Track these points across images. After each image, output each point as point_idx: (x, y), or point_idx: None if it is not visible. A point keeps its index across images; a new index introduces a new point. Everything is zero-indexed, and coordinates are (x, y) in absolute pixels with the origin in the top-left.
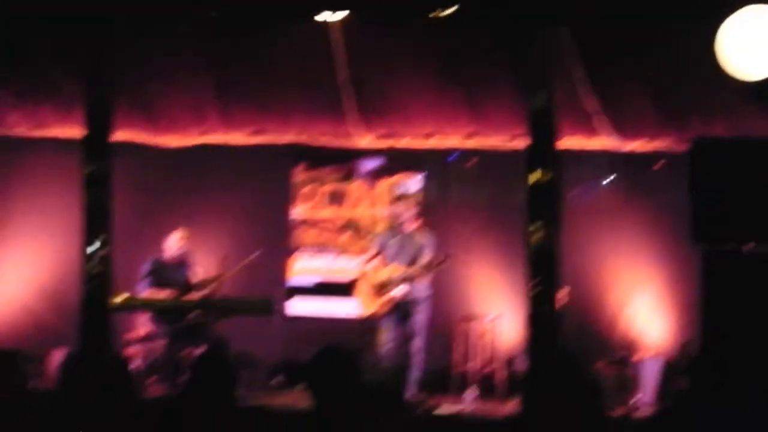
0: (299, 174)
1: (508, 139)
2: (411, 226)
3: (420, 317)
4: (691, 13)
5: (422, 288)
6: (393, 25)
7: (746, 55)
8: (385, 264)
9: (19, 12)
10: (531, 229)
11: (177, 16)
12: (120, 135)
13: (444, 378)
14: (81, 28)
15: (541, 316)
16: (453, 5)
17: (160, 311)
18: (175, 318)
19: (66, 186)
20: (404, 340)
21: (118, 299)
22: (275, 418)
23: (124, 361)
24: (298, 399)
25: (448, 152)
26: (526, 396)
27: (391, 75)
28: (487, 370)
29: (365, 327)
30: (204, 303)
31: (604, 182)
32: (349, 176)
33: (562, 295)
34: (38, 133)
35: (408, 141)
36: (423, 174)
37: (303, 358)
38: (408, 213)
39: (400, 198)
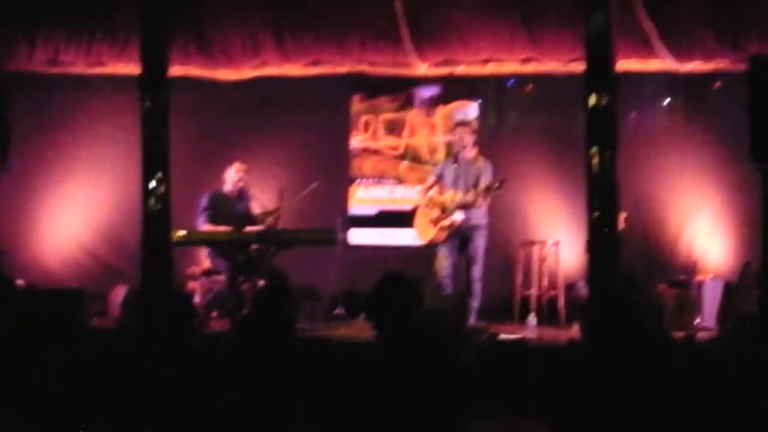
0: (357, 104)
1: (565, 63)
2: (469, 153)
3: (479, 243)
4: None
5: (481, 214)
6: None
7: None
8: (445, 191)
9: None
10: (590, 153)
11: None
12: (176, 70)
13: (505, 304)
14: None
15: (602, 240)
16: None
17: (221, 245)
18: (235, 252)
19: (123, 123)
20: (465, 266)
21: (178, 235)
22: (338, 349)
23: (186, 297)
24: (360, 330)
25: (504, 78)
26: (588, 321)
27: (445, 2)
28: (548, 295)
29: (426, 254)
30: (265, 235)
31: (663, 104)
32: (406, 105)
33: (622, 220)
34: (94, 70)
35: (464, 68)
36: (480, 101)
37: (364, 288)
38: (466, 140)
39: (457, 125)
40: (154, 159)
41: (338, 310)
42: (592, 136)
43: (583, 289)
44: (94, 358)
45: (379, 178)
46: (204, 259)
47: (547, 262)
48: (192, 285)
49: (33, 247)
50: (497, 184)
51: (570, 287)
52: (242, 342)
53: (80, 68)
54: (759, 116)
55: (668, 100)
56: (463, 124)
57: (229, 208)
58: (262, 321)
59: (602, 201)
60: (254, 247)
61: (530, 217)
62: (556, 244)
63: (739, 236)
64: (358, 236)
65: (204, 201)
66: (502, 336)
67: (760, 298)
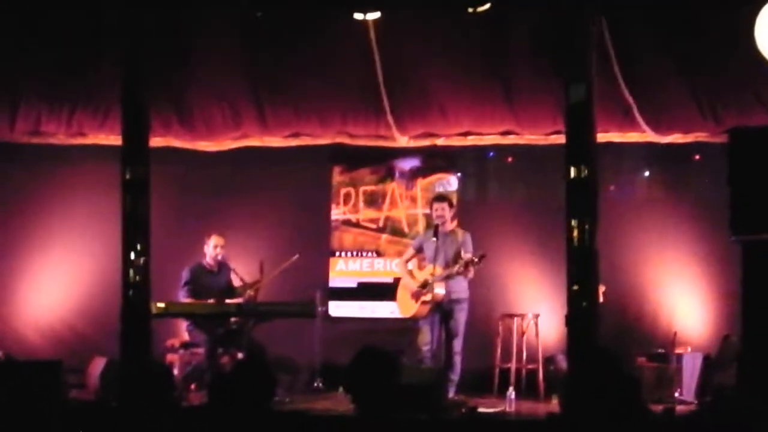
0: (337, 176)
1: (546, 135)
2: (449, 226)
3: (460, 317)
4: (727, 4)
5: (462, 288)
6: (429, 22)
7: None
8: (424, 265)
9: (55, 19)
10: (570, 224)
11: (212, 19)
12: (157, 141)
13: (484, 378)
14: (116, 34)
15: (581, 313)
16: (488, 1)
17: (200, 318)
18: (214, 324)
19: (104, 194)
20: (445, 340)
21: (158, 306)
22: (316, 422)
23: (165, 370)
24: (338, 402)
25: (485, 150)
26: (567, 394)
27: (427, 73)
28: (527, 369)
29: (406, 328)
30: (244, 308)
31: (643, 176)
32: (386, 177)
33: (601, 292)
34: (75, 140)
35: (445, 140)
36: (460, 173)
37: (343, 360)
38: (445, 214)
39: (436, 199)
40: (134, 230)
41: (317, 383)
42: (572, 208)
43: (562, 363)
44: (73, 430)
45: (359, 250)
46: (183, 331)
47: (527, 335)
48: (171, 357)
49: (11, 317)
50: (478, 259)
51: (549, 360)
52: (220, 415)
53: (61, 139)
54: (739, 189)
55: (648, 171)
56: (442, 197)
57: (210, 282)
58: (240, 393)
59: (582, 273)
60: (233, 319)
61: (510, 289)
62: (536, 316)
63: (719, 308)
64: (337, 309)
65: (185, 275)
66: (482, 409)
67: (738, 372)
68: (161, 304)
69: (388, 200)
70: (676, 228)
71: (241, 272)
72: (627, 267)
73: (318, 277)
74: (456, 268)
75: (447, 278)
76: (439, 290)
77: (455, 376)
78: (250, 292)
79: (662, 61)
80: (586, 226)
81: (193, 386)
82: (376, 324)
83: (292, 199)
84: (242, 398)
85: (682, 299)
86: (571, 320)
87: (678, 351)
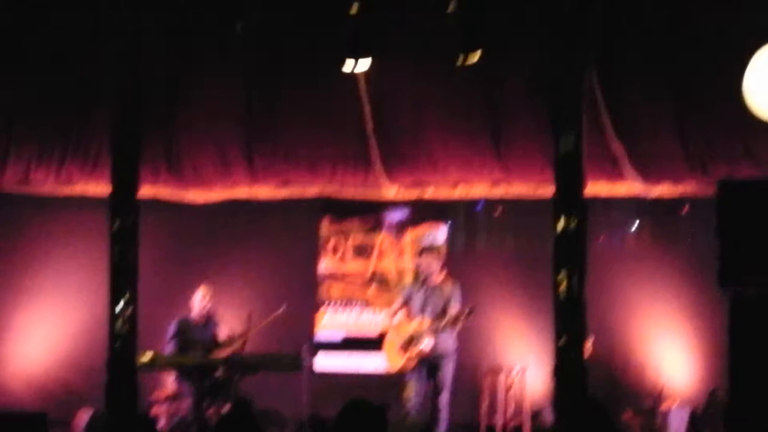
0: (326, 226)
1: (535, 187)
2: (437, 278)
3: (447, 371)
4: (715, 57)
5: (449, 342)
6: (419, 73)
7: None
8: (412, 317)
9: (44, 69)
10: (558, 277)
11: (203, 68)
12: (146, 190)
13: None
14: (106, 84)
15: (569, 366)
16: (477, 52)
17: (187, 370)
18: (201, 376)
19: (91, 244)
20: (432, 394)
21: (145, 358)
22: None
23: (150, 422)
24: None
25: (474, 202)
26: None
27: (416, 125)
28: (514, 423)
29: (392, 382)
30: (231, 361)
31: (631, 228)
32: (375, 228)
33: (589, 345)
34: (64, 190)
35: (434, 191)
36: (449, 224)
37: (330, 413)
38: (433, 266)
39: (425, 250)
40: (121, 280)
41: None
42: (560, 260)
43: (549, 417)
44: None
45: (347, 301)
46: (170, 382)
47: (513, 389)
48: (156, 410)
49: None
50: (467, 313)
51: (536, 415)
52: None
53: (50, 187)
54: (727, 242)
55: (637, 224)
56: (430, 249)
57: (197, 335)
58: None
59: (569, 326)
60: (220, 372)
61: (498, 341)
62: (523, 370)
63: (706, 362)
64: (324, 362)
65: (172, 328)
66: None
67: (724, 428)
68: (148, 356)
69: (376, 251)
70: (664, 281)
71: (229, 323)
72: (614, 320)
73: (305, 329)
74: (444, 322)
75: (434, 332)
76: (426, 344)
77: (442, 430)
78: (237, 345)
79: (651, 111)
80: (574, 278)
81: None
82: (363, 377)
83: (281, 250)
84: None
85: (670, 353)
86: (558, 373)
87: (665, 405)
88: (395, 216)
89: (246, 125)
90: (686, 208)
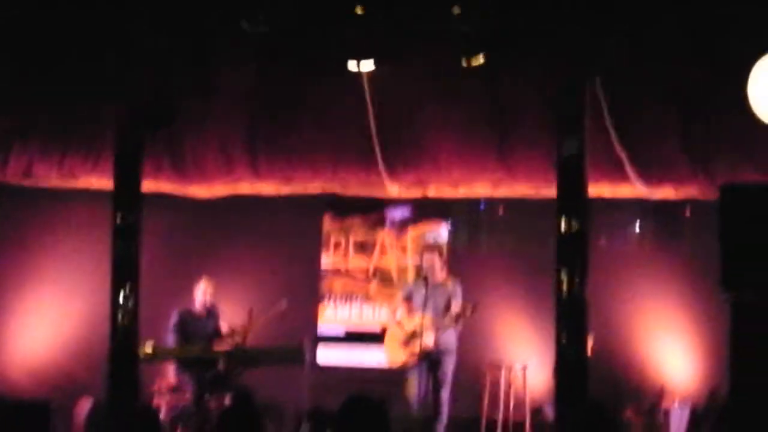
0: (327, 223)
1: (537, 187)
2: (439, 276)
3: (448, 367)
4: (719, 62)
5: (451, 338)
6: (423, 74)
7: None
8: (414, 313)
9: (48, 61)
10: (560, 277)
11: (208, 67)
12: (149, 184)
13: (471, 427)
14: (110, 77)
15: (570, 364)
16: (482, 53)
17: (188, 362)
18: (202, 368)
19: (94, 237)
20: (433, 389)
21: (146, 349)
22: None
23: (152, 413)
24: None
25: (476, 201)
26: None
27: (419, 124)
28: (515, 419)
29: (394, 376)
30: (232, 354)
31: (634, 230)
32: (377, 225)
33: (590, 344)
34: (67, 183)
35: (436, 190)
36: (451, 222)
37: (331, 407)
38: (435, 264)
39: (428, 248)
40: (123, 273)
41: (304, 429)
42: (562, 260)
43: (549, 413)
44: None
45: (349, 297)
46: (171, 372)
47: (515, 385)
48: (158, 400)
49: None
50: (470, 310)
51: (537, 411)
52: None
53: (53, 181)
54: (729, 245)
55: (639, 226)
56: (433, 247)
57: (198, 327)
58: None
59: (571, 325)
60: (221, 365)
61: (499, 339)
62: (524, 367)
63: (707, 362)
64: (325, 356)
65: (173, 319)
66: None
67: (724, 427)
68: (149, 346)
69: (378, 248)
70: (666, 281)
71: (231, 316)
72: (616, 319)
73: (307, 323)
74: (446, 319)
75: (436, 328)
76: (428, 340)
77: (442, 426)
78: (238, 338)
79: (655, 115)
80: (576, 278)
81: (179, 429)
82: (364, 372)
83: (283, 245)
84: None
85: (671, 352)
86: (559, 371)
87: (666, 403)
88: (397, 214)
89: (249, 122)
90: (688, 211)
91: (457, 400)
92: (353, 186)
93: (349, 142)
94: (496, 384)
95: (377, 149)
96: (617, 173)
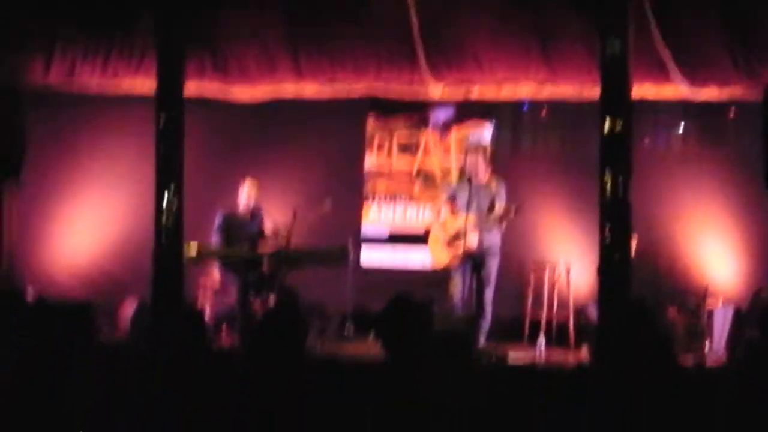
0: (371, 124)
1: (580, 88)
2: (482, 176)
3: (492, 267)
4: None
5: (494, 237)
6: None
7: None
8: (457, 214)
9: None
10: (603, 178)
11: None
12: (191, 87)
13: (515, 327)
14: None
15: (613, 264)
16: None
17: (232, 263)
18: (246, 269)
19: (138, 140)
20: (476, 289)
21: (191, 250)
22: (346, 368)
23: (197, 313)
24: (369, 349)
25: (520, 101)
26: (598, 345)
27: (463, 23)
28: (558, 318)
29: (437, 277)
30: (276, 255)
31: (677, 131)
32: (420, 126)
33: (634, 244)
34: (110, 87)
35: (479, 90)
36: (494, 123)
37: (375, 308)
38: (479, 164)
39: (471, 150)
40: (167, 175)
41: (347, 329)
42: (606, 161)
43: (593, 313)
44: (104, 373)
45: (393, 197)
46: (215, 274)
47: (558, 285)
48: (202, 301)
49: (44, 260)
50: (514, 211)
51: (581, 311)
52: (252, 359)
53: (96, 85)
54: None
55: (683, 127)
56: (476, 148)
57: (242, 228)
58: (272, 339)
59: (615, 225)
60: (265, 266)
61: (543, 239)
62: (568, 267)
63: (751, 263)
64: (369, 257)
65: (217, 220)
66: (512, 358)
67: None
68: (194, 247)
69: (422, 148)
70: (710, 183)
71: (275, 217)
72: (660, 220)
73: (350, 224)
74: (490, 219)
75: (480, 228)
76: (472, 241)
77: (486, 325)
78: (282, 240)
79: (699, 15)
80: (620, 179)
81: (224, 330)
82: (407, 273)
83: (327, 147)
84: (274, 343)
85: (715, 253)
86: (602, 272)
87: (709, 304)
88: (441, 114)
89: (291, 24)
90: (732, 112)
91: (500, 301)
92: (396, 87)
93: (391, 43)
94: (539, 284)
95: (420, 50)
96: (661, 74)
